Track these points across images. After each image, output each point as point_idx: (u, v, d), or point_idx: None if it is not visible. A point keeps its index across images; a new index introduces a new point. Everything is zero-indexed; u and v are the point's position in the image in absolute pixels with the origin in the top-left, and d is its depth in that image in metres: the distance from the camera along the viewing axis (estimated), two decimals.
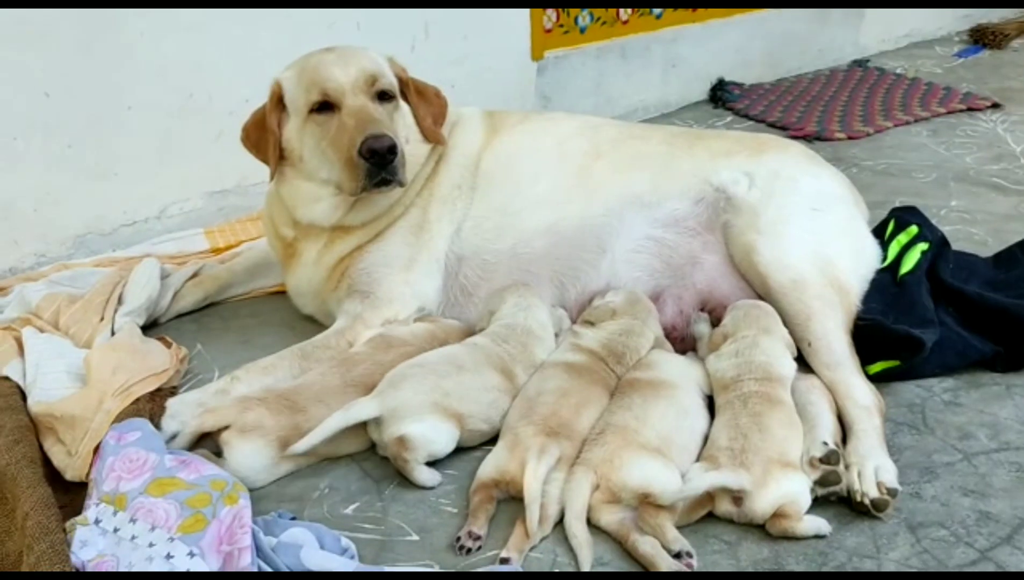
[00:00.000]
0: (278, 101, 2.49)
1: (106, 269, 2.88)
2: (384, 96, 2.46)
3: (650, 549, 1.80)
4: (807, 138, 4.18)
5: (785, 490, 1.90)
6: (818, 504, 1.96)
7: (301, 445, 2.05)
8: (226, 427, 2.09)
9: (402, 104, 2.55)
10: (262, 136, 2.50)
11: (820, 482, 1.97)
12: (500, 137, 2.71)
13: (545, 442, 1.99)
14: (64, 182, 3.02)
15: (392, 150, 2.32)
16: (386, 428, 2.06)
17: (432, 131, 2.61)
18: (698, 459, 2.03)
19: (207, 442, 2.14)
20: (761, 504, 1.88)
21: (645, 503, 1.88)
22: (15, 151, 2.91)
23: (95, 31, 2.94)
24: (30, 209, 2.99)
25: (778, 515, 1.88)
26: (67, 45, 2.90)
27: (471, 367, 2.19)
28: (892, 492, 1.94)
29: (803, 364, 2.32)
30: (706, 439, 2.09)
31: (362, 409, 2.07)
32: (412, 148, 2.53)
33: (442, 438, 2.09)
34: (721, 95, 4.71)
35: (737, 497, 1.90)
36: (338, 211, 2.52)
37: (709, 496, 1.93)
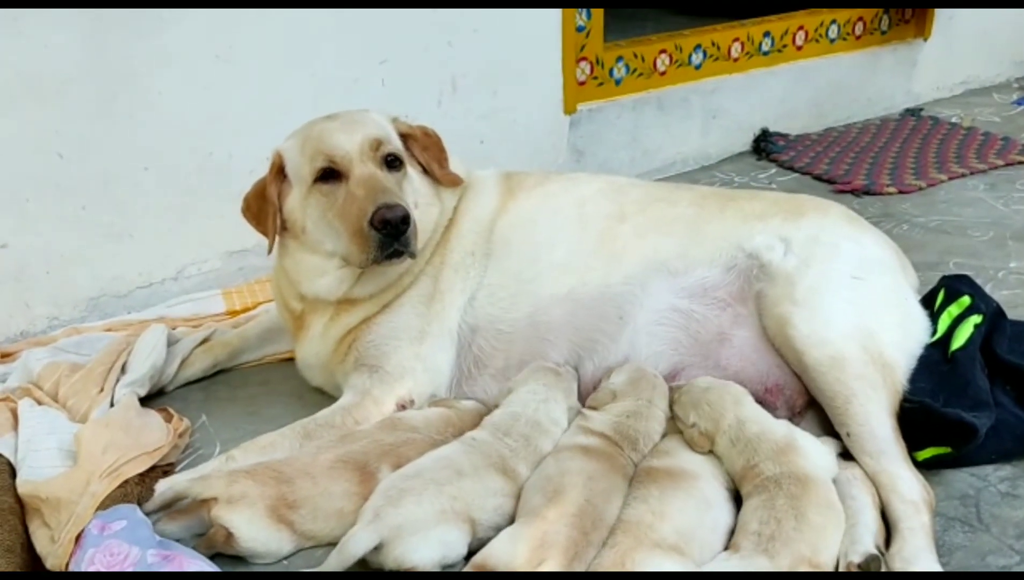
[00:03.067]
0: (279, 172, 2.40)
1: (115, 334, 2.79)
2: (392, 162, 2.36)
3: None
4: (855, 192, 3.99)
5: None
6: None
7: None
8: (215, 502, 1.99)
9: (409, 168, 2.44)
10: (263, 207, 2.41)
11: None
12: (517, 200, 2.57)
13: (580, 546, 1.82)
14: (78, 244, 2.95)
15: (405, 220, 2.21)
16: (389, 552, 1.85)
17: (444, 175, 2.51)
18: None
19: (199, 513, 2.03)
20: None
21: None
22: (27, 213, 2.85)
23: (111, 90, 2.89)
24: (42, 272, 2.92)
25: None
26: (81, 105, 2.85)
27: (470, 471, 2.01)
28: None
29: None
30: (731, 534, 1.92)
31: (358, 543, 1.84)
32: (421, 212, 2.41)
33: (454, 548, 1.91)
34: (765, 146, 4.52)
35: None
36: (344, 284, 2.40)
37: None
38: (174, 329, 2.85)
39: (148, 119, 2.98)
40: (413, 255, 2.30)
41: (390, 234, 2.21)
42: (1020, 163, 4.23)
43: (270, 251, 2.44)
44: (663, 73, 4.26)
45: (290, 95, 3.17)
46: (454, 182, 2.52)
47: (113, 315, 3.05)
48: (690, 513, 1.90)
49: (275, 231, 2.40)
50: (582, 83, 4.01)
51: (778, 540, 1.78)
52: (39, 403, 2.42)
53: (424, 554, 1.86)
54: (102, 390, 2.46)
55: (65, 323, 2.98)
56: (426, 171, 2.49)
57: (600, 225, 2.51)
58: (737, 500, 2.02)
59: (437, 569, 1.89)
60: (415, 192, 2.42)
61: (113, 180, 2.97)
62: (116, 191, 2.98)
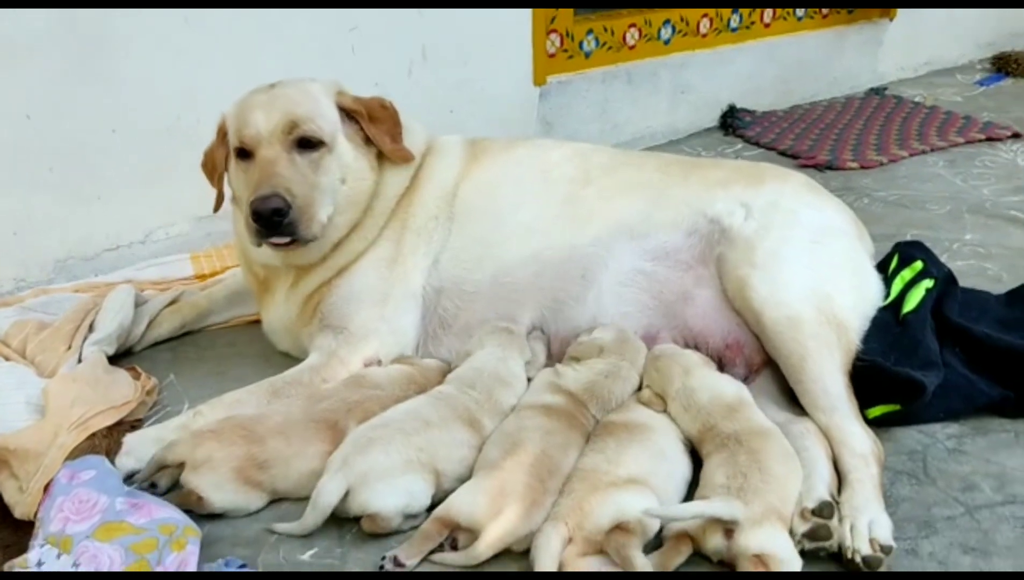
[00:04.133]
0: (224, 137, 2.44)
1: (82, 295, 2.80)
2: (307, 143, 2.34)
3: None
4: (818, 167, 4.06)
5: (776, 543, 1.77)
6: (806, 558, 1.82)
7: (286, 528, 1.94)
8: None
9: (339, 144, 2.40)
10: (214, 166, 2.48)
11: (809, 535, 1.84)
12: (481, 165, 2.61)
13: (537, 493, 1.87)
14: (45, 206, 2.96)
15: (278, 212, 2.22)
16: (354, 498, 1.90)
17: (394, 150, 2.48)
18: None
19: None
20: (755, 540, 1.76)
21: (615, 530, 1.76)
22: None
23: (80, 53, 2.88)
24: (9, 233, 2.93)
25: (759, 558, 1.76)
26: (50, 67, 2.84)
27: (438, 422, 2.05)
28: (886, 549, 1.81)
29: (798, 403, 2.21)
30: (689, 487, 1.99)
31: (330, 493, 1.89)
32: (349, 188, 2.42)
33: (418, 498, 1.95)
34: (732, 122, 4.59)
35: (729, 530, 1.78)
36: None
37: (689, 538, 1.81)
38: (142, 292, 2.86)
39: (117, 82, 2.98)
40: (307, 239, 2.30)
41: (264, 225, 2.24)
42: (980, 141, 4.32)
43: (215, 209, 2.52)
44: (632, 47, 4.30)
45: (259, 60, 3.17)
46: (404, 158, 2.51)
47: (80, 278, 3.06)
48: (644, 462, 1.96)
49: (221, 191, 2.47)
50: (552, 55, 4.04)
51: (748, 491, 1.84)
52: (7, 360, 2.43)
53: (388, 501, 1.90)
54: (70, 347, 2.48)
55: (32, 284, 2.99)
56: (379, 146, 2.48)
57: (565, 189, 2.55)
58: (694, 455, 2.08)
59: (400, 518, 1.93)
60: (343, 168, 2.41)
61: (81, 142, 2.97)
62: (84, 154, 2.99)
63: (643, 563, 1.73)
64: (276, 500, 2.07)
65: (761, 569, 1.73)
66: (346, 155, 2.42)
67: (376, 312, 2.43)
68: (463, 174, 2.59)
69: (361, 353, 2.40)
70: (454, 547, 1.87)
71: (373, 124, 2.47)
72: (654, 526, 1.83)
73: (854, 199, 3.67)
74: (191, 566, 1.73)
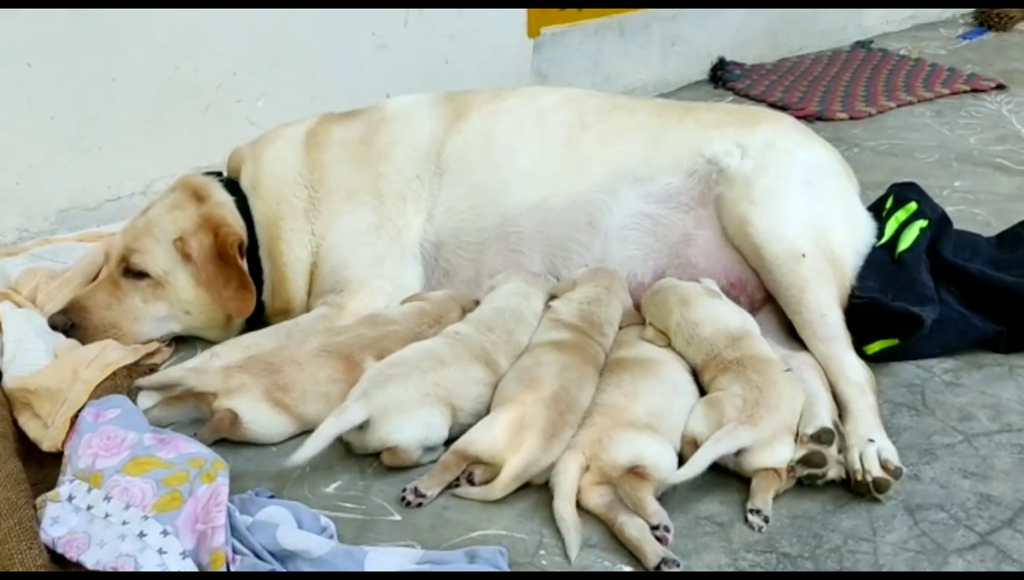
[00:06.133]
0: None
1: (89, 244, 2.81)
2: (135, 273, 2.41)
3: (637, 533, 1.74)
4: (808, 118, 4.09)
5: (783, 456, 1.90)
6: (814, 486, 1.92)
7: (299, 456, 1.90)
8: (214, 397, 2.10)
9: (177, 281, 2.41)
10: None
11: (803, 461, 1.92)
12: (468, 117, 2.60)
13: (557, 426, 1.92)
14: (47, 155, 2.95)
15: (58, 326, 2.34)
16: (375, 431, 1.96)
17: (222, 300, 2.42)
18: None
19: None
20: (764, 459, 1.88)
21: (630, 473, 1.83)
22: None
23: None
24: (12, 182, 2.92)
25: (775, 471, 1.89)
26: (50, 14, 2.83)
27: (452, 361, 2.10)
28: (896, 472, 1.89)
29: (796, 339, 2.29)
30: None
31: (354, 413, 1.95)
32: (194, 317, 2.47)
33: (436, 430, 2.01)
34: (722, 75, 4.62)
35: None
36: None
37: None
38: None
39: (116, 30, 2.96)
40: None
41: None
42: (965, 92, 4.38)
43: None
44: None
45: (257, 11, 3.15)
46: (236, 311, 2.44)
47: (83, 228, 3.04)
48: (659, 396, 2.02)
49: None
50: (546, 7, 4.03)
51: (762, 407, 1.91)
52: (19, 307, 2.44)
53: (407, 434, 1.97)
54: None
55: (35, 235, 2.99)
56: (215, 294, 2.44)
57: (563, 134, 2.58)
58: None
59: (420, 450, 1.99)
60: (183, 302, 2.44)
61: (81, 91, 2.96)
62: (84, 102, 2.98)
63: (655, 510, 1.78)
64: (296, 436, 2.12)
65: (775, 481, 1.86)
66: (184, 291, 2.44)
67: (375, 272, 2.46)
68: (446, 128, 2.59)
69: (368, 307, 2.43)
70: (470, 481, 1.93)
71: (221, 265, 2.41)
72: (670, 479, 1.87)
73: (844, 149, 3.71)
74: (222, 497, 1.76)
